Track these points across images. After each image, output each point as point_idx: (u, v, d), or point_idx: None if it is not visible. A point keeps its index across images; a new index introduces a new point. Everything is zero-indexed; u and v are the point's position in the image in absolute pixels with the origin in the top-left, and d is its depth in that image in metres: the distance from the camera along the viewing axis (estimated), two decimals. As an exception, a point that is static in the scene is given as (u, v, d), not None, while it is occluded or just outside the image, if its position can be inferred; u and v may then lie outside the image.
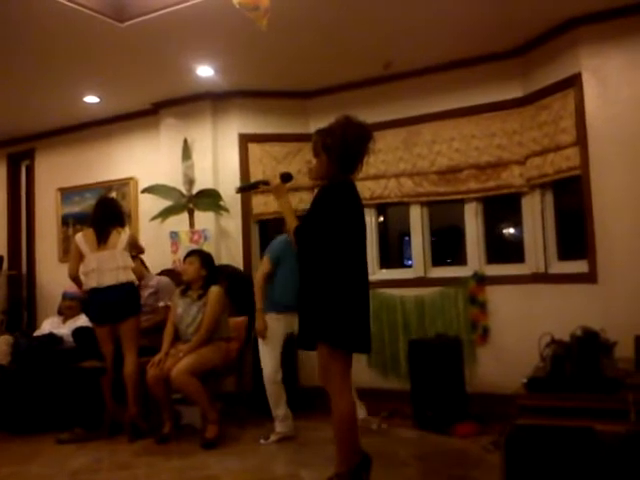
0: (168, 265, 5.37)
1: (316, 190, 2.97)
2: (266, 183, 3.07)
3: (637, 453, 2.39)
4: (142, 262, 4.96)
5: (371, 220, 5.26)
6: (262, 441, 4.09)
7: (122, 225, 4.56)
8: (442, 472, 3.44)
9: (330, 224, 2.71)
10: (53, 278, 6.34)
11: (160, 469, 3.65)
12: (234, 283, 4.86)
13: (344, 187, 2.79)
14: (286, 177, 3.03)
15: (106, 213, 4.51)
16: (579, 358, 2.88)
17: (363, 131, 2.82)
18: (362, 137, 2.80)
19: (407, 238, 5.37)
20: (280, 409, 4.14)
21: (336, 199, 2.74)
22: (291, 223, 2.82)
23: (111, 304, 4.32)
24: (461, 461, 3.61)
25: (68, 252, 6.28)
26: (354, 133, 2.78)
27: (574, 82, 4.16)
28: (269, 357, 4.12)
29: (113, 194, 5.99)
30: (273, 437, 4.11)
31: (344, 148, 2.76)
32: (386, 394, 4.83)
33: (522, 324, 4.46)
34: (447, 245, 5.34)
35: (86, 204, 6.28)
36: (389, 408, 4.62)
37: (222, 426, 4.17)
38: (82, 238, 4.45)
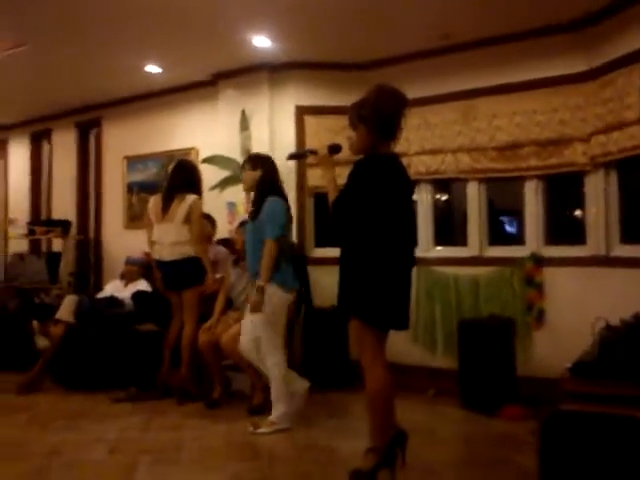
0: (225, 235, 5.46)
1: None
2: (314, 152, 3.06)
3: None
4: (213, 225, 5.06)
5: (427, 196, 5.16)
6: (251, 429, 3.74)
7: (190, 191, 4.50)
8: (483, 453, 3.40)
9: (363, 199, 2.66)
10: (119, 243, 6.58)
11: (206, 432, 3.75)
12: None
13: (380, 161, 2.74)
14: (334, 148, 2.99)
15: (175, 180, 4.56)
16: (628, 344, 2.75)
17: (396, 95, 2.77)
18: (395, 101, 2.75)
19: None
20: None
21: (369, 173, 2.69)
22: (332, 196, 2.80)
23: (171, 276, 4.49)
24: (505, 444, 3.54)
25: (133, 219, 6.55)
26: (386, 98, 2.75)
27: (640, 56, 3.91)
28: None
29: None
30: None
31: (379, 114, 2.73)
32: (433, 372, 4.79)
33: (580, 307, 4.27)
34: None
35: (149, 172, 6.48)
36: (435, 386, 4.58)
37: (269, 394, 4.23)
38: (152, 207, 4.58)
